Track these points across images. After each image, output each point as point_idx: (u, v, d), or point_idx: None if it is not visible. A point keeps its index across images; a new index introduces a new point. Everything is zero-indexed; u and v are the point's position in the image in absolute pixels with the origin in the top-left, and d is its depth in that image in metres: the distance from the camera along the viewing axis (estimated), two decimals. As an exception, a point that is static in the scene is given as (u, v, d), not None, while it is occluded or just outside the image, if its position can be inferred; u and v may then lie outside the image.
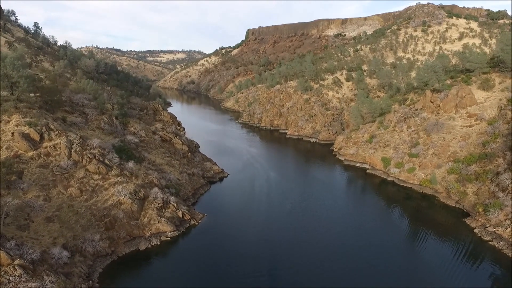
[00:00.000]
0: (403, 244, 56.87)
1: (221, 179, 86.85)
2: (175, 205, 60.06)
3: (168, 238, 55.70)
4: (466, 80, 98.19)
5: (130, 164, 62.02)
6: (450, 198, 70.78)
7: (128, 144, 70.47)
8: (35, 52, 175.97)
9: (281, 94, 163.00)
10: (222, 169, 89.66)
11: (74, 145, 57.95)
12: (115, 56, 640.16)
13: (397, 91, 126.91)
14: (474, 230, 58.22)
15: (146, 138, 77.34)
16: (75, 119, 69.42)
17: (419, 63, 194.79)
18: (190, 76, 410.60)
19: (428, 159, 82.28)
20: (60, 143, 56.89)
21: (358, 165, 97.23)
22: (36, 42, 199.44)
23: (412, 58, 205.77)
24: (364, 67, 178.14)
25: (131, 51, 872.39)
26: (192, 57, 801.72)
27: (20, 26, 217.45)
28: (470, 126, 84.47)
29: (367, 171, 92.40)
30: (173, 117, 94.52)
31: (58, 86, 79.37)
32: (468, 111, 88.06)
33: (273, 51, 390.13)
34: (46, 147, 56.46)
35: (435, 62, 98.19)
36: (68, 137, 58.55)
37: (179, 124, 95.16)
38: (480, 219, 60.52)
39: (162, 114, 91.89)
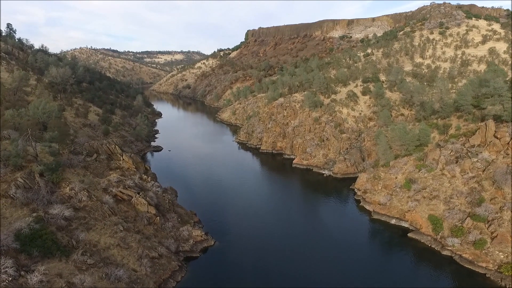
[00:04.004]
0: None
1: (204, 251, 60.94)
2: None
3: None
4: (539, 106, 72.47)
5: (36, 276, 35.88)
6: (560, 307, 45.15)
7: (53, 222, 44.68)
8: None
9: (285, 110, 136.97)
10: (206, 234, 63.65)
11: None
12: (110, 58, 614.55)
13: (432, 113, 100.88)
14: None
15: (88, 203, 51.45)
16: (-38, 187, 43.76)
17: (441, 71, 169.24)
18: (186, 80, 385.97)
19: (505, 228, 56.48)
20: None
21: (393, 221, 71.30)
22: (4, 47, 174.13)
23: (432, 65, 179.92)
24: (382, 77, 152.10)
25: (128, 51, 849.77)
26: (190, 58, 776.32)
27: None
28: (562, 178, 58.83)
29: (409, 234, 66.36)
30: (138, 162, 67.93)
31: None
32: (555, 155, 62.45)
33: (274, 54, 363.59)
34: None
35: (500, 82, 72.12)
36: None
37: (146, 170, 68.74)
38: None
39: (121, 158, 65.24)
